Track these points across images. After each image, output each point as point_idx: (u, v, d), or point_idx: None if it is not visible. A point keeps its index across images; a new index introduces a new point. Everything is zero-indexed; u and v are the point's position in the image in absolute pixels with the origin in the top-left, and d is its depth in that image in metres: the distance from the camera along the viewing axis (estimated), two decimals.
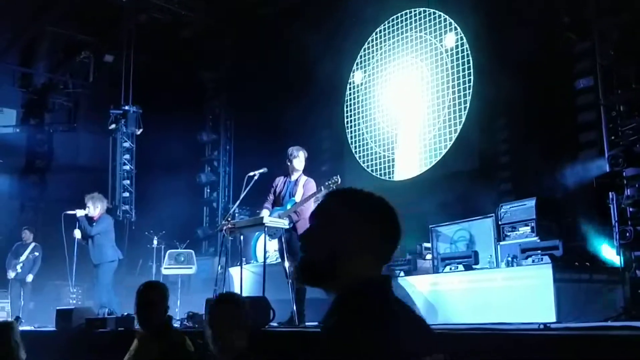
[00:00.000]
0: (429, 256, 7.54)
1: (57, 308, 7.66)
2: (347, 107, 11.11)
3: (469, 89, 8.94)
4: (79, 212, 8.23)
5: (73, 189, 13.54)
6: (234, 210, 8.27)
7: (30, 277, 10.33)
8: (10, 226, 14.17)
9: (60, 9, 13.46)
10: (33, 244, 10.64)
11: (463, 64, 9.10)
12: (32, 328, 8.13)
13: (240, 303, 3.18)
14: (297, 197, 6.31)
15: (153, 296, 3.85)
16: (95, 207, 8.37)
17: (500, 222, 6.65)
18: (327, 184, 6.16)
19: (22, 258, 10.37)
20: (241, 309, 3.11)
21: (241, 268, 6.99)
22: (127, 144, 12.90)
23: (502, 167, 8.56)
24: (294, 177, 6.47)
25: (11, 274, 10.39)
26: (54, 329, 7.35)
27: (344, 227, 1.55)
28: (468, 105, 8.92)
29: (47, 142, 15.91)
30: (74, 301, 9.48)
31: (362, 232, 1.54)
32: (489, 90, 8.54)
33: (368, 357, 1.37)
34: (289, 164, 6.50)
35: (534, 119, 7.86)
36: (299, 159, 6.42)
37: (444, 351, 1.49)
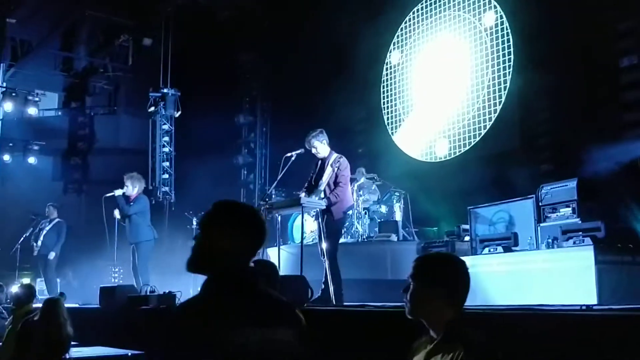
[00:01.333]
0: (467, 238, 7.48)
1: (101, 286, 7.85)
2: (383, 88, 11.04)
3: (509, 68, 8.78)
4: (117, 192, 8.36)
5: (114, 171, 13.79)
6: (271, 191, 8.33)
7: (52, 255, 10.16)
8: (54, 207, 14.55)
9: None
10: (56, 220, 10.54)
11: (503, 42, 8.93)
12: (76, 305, 8.37)
13: None
14: (325, 178, 6.30)
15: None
16: (133, 187, 8.49)
17: (540, 204, 6.53)
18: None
19: (43, 234, 10.37)
20: None
21: (279, 248, 7.05)
22: (166, 127, 13.07)
23: (543, 147, 8.41)
24: (322, 159, 6.46)
25: (35, 251, 10.37)
26: (98, 306, 7.55)
27: (217, 232, 2.06)
28: (508, 85, 8.77)
29: (89, 124, 16.24)
30: (116, 280, 9.69)
31: (231, 236, 2.04)
32: (530, 70, 8.37)
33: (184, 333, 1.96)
34: None
35: (576, 98, 7.69)
36: (319, 148, 6.38)
37: (294, 327, 1.95)
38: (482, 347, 2.07)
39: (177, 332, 2.01)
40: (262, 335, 1.88)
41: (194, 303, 2.10)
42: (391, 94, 10.88)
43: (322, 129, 6.46)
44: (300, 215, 7.06)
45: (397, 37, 10.91)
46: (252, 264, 3.21)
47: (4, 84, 14.54)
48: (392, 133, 10.67)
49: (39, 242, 10.28)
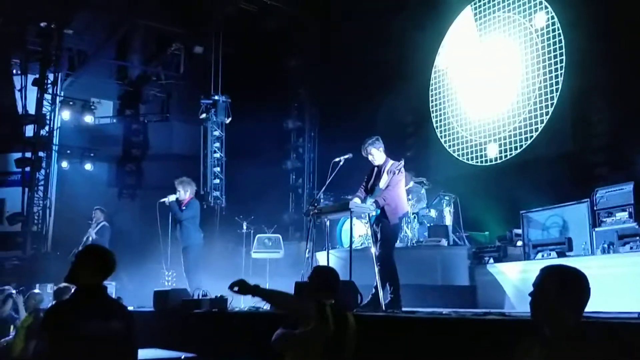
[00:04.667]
0: (519, 243, 7.35)
1: (155, 289, 8.02)
2: (432, 92, 10.96)
3: (561, 69, 8.60)
4: (171, 197, 8.54)
5: (167, 176, 14.05)
6: (320, 195, 8.37)
7: None
8: (109, 212, 14.95)
9: (152, 2, 14.02)
10: (101, 224, 10.72)
11: (554, 43, 8.75)
12: (131, 308, 8.57)
13: None
14: (382, 184, 6.31)
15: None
16: (185, 191, 8.66)
17: (595, 208, 6.37)
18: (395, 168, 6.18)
19: (90, 238, 10.63)
20: None
21: (327, 253, 7.08)
22: (217, 133, 13.29)
23: (597, 150, 8.18)
24: (379, 166, 6.45)
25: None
26: (152, 309, 7.72)
27: (79, 263, 3.42)
28: (560, 86, 8.58)
29: (142, 131, 16.63)
30: (168, 283, 9.89)
31: (85, 267, 3.41)
32: (583, 71, 8.18)
33: (50, 323, 3.24)
34: None
35: (632, 99, 7.46)
36: (375, 155, 6.38)
37: (125, 320, 3.37)
38: (603, 350, 2.33)
39: (48, 322, 3.26)
40: (101, 324, 3.23)
41: (61, 304, 3.75)
42: (440, 98, 10.79)
43: (378, 137, 6.46)
44: (349, 220, 7.06)
45: (446, 40, 10.81)
46: (313, 272, 3.49)
47: (62, 94, 15.05)
48: (441, 137, 10.58)
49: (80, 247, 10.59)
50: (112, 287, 10.60)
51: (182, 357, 5.41)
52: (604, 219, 6.28)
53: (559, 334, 2.40)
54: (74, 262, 3.45)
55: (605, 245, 5.97)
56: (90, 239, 10.48)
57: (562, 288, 2.47)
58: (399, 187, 6.28)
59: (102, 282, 3.43)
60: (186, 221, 8.57)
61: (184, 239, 8.56)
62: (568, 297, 2.45)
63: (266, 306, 6.64)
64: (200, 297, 6.96)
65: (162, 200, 8.64)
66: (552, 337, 2.42)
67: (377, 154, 6.38)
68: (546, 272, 2.53)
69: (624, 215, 6.11)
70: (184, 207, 8.62)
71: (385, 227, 6.15)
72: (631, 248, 5.62)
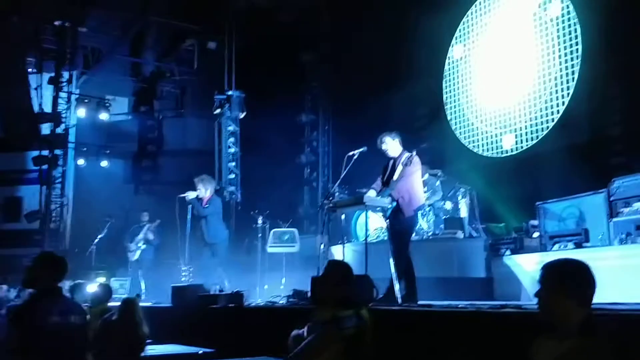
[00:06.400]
0: (536, 234, 7.31)
1: (172, 285, 8.08)
2: (446, 83, 10.90)
3: (577, 58, 8.50)
4: (191, 194, 8.55)
5: (182, 172, 14.21)
6: (334, 189, 8.37)
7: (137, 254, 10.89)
8: (126, 209, 15.09)
9: None
10: (147, 225, 11.03)
11: (570, 32, 8.65)
12: (150, 304, 8.65)
13: None
14: (396, 176, 6.26)
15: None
16: (206, 189, 8.68)
17: (612, 198, 6.30)
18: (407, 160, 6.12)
19: (138, 238, 10.86)
20: None
21: (343, 246, 7.09)
22: (231, 128, 13.32)
23: (614, 139, 8.08)
24: (394, 159, 6.41)
25: (131, 257, 10.91)
26: (170, 305, 7.78)
27: (37, 269, 4.10)
28: (576, 75, 8.49)
29: (157, 128, 16.75)
30: (185, 279, 9.98)
31: (43, 271, 4.08)
32: (599, 59, 8.07)
33: (17, 319, 3.94)
34: None
35: None
36: (389, 146, 6.33)
37: (81, 315, 4.13)
38: (616, 343, 2.33)
39: (16, 319, 3.91)
40: (61, 319, 3.91)
41: (26, 304, 4.14)
42: (454, 89, 10.73)
43: (397, 131, 6.44)
44: (364, 213, 7.05)
45: (459, 30, 10.74)
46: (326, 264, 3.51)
47: (77, 91, 15.18)
48: (456, 128, 10.52)
49: (137, 253, 10.84)
50: (128, 284, 10.76)
51: (200, 352, 5.47)
52: (621, 210, 6.21)
53: (568, 329, 2.40)
54: (31, 267, 4.14)
55: (623, 236, 5.90)
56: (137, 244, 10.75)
57: (562, 281, 2.46)
58: (413, 179, 6.21)
59: (58, 284, 4.16)
60: (211, 217, 8.57)
61: (210, 236, 8.55)
62: (570, 290, 2.43)
63: (282, 301, 6.68)
64: (217, 292, 7.00)
65: (182, 195, 8.65)
66: (562, 333, 2.41)
67: (391, 144, 6.31)
68: (546, 267, 2.52)
69: None
70: (206, 205, 8.62)
71: (400, 220, 6.12)
72: None
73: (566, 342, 2.38)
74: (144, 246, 10.83)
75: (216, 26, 14.10)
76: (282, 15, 13.21)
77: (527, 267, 6.67)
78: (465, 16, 10.61)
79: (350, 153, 6.65)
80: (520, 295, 6.56)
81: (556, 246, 6.51)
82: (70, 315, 4.02)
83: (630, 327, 3.05)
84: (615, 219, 6.21)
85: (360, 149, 6.61)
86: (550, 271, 2.50)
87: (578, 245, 6.23)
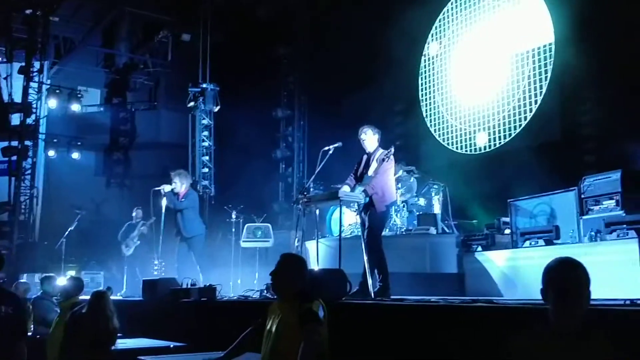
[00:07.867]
0: (507, 231, 7.39)
1: (144, 279, 8.00)
2: (421, 80, 10.95)
3: (550, 57, 8.61)
4: (166, 188, 8.45)
5: (155, 165, 14.09)
6: (309, 184, 8.36)
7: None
8: (97, 202, 14.91)
9: None
10: (141, 222, 10.68)
11: (543, 31, 8.75)
12: (120, 297, 8.55)
13: None
14: (371, 172, 6.28)
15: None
16: (182, 184, 8.59)
17: (583, 196, 6.40)
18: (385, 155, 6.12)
19: (133, 235, 10.63)
20: None
21: (317, 241, 7.08)
22: (205, 121, 13.23)
23: (585, 138, 8.21)
24: (369, 154, 6.44)
25: (125, 252, 10.67)
26: (141, 298, 7.70)
27: None
28: (549, 74, 8.60)
29: (130, 120, 16.57)
30: (157, 273, 9.88)
31: None
32: (572, 59, 8.17)
33: None
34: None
35: (620, 88, 7.48)
36: (367, 139, 6.36)
37: (13, 304, 4.28)
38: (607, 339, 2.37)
39: None
40: None
41: None
42: (430, 86, 10.79)
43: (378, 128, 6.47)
44: (339, 209, 7.05)
45: (435, 28, 10.80)
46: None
47: (49, 82, 14.91)
48: (431, 125, 10.59)
49: (132, 248, 10.62)
50: (100, 277, 10.61)
51: (172, 346, 5.41)
52: (592, 207, 6.30)
53: (568, 326, 2.40)
54: None
55: (593, 233, 6.00)
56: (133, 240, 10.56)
57: (557, 279, 2.48)
58: (387, 175, 6.25)
59: None
60: (187, 212, 8.50)
61: (187, 230, 8.47)
62: (565, 288, 2.44)
63: (255, 295, 6.65)
64: (190, 286, 6.94)
65: (157, 188, 8.54)
66: (562, 330, 2.41)
67: (370, 138, 6.35)
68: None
69: (611, 203, 6.14)
70: (182, 199, 8.54)
71: (372, 215, 6.15)
72: (618, 236, 5.65)
73: (564, 340, 2.37)
74: (138, 242, 10.66)
75: (191, 18, 13.97)
76: (258, 9, 13.13)
77: (499, 263, 6.75)
78: (442, 13, 10.67)
79: (326, 148, 6.64)
80: (492, 290, 6.63)
81: (527, 243, 6.59)
82: (2, 305, 4.18)
83: (599, 323, 3.09)
84: (585, 217, 6.30)
85: (336, 144, 6.60)
86: (546, 271, 2.51)
87: (549, 242, 6.31)
